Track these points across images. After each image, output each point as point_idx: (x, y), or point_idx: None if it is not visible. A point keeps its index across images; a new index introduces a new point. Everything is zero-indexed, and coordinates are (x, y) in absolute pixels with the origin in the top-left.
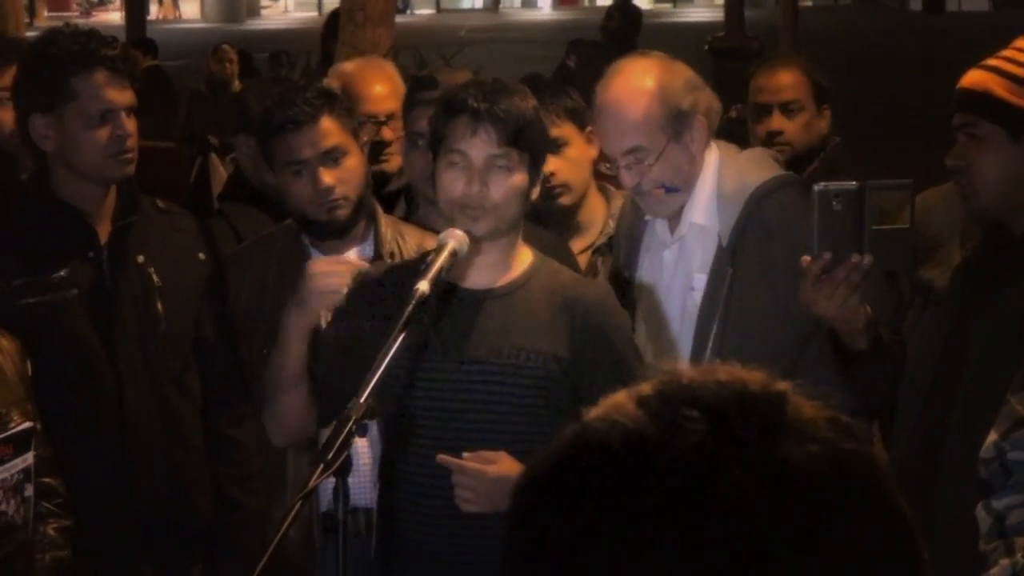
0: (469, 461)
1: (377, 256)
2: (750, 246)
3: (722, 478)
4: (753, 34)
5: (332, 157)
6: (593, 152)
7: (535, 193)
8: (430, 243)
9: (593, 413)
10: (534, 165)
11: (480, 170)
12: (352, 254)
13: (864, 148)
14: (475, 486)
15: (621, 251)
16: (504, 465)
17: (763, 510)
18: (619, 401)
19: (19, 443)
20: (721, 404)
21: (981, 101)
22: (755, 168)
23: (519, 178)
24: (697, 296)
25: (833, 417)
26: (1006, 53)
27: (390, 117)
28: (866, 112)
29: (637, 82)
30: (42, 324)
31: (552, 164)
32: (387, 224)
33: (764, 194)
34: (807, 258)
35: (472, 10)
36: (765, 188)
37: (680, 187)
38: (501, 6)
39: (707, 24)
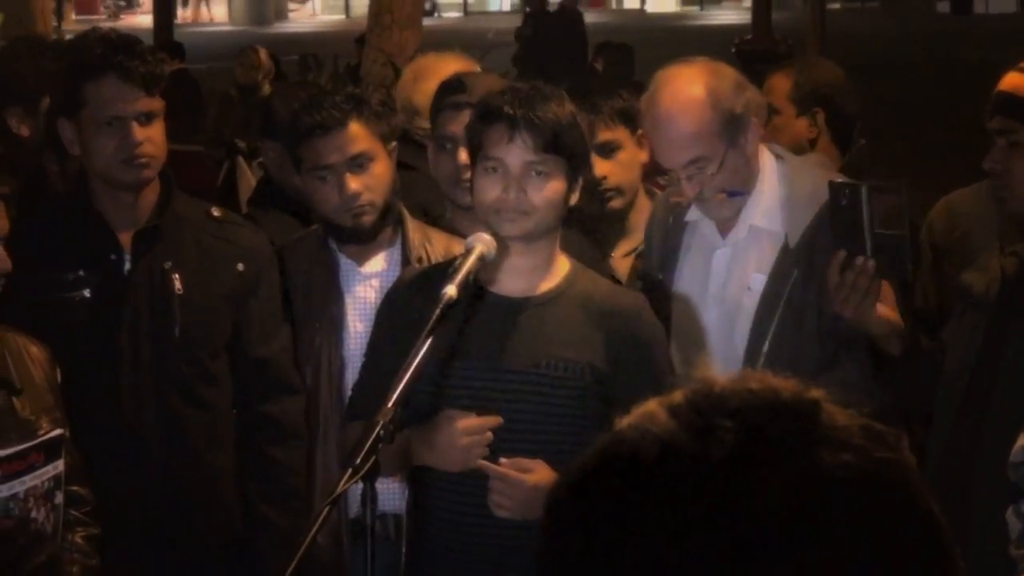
0: (507, 468)
1: (405, 261)
2: (821, 249)
3: (757, 487)
4: (780, 36)
5: (359, 163)
6: (644, 155)
7: (574, 199)
8: (457, 248)
9: (624, 422)
10: (572, 170)
11: (517, 177)
12: (380, 259)
13: (892, 149)
14: (512, 493)
15: (654, 255)
16: (541, 473)
17: (798, 518)
18: (651, 410)
19: (50, 450)
20: (754, 413)
21: (1021, 107)
22: (827, 174)
23: (557, 184)
24: (755, 295)
25: (866, 425)
26: None
27: None
28: (893, 113)
29: (687, 92)
30: (45, 322)
31: (604, 168)
32: (415, 229)
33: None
34: (834, 254)
35: (500, 12)
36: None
37: (743, 190)
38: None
39: (735, 27)
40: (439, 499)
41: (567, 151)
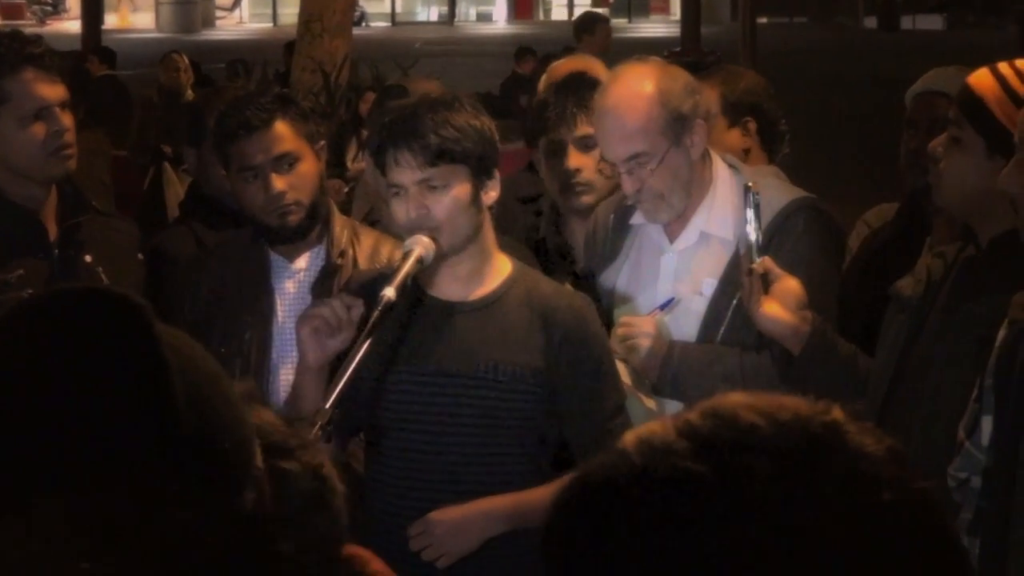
0: (416, 527)
1: (328, 259)
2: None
3: (793, 530)
4: (709, 49)
5: (285, 162)
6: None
7: (490, 197)
8: (385, 246)
9: (633, 444)
10: (477, 169)
11: (415, 196)
12: (304, 260)
13: (818, 162)
14: (437, 539)
15: (596, 258)
16: (444, 512)
17: (838, 559)
18: (668, 438)
19: None
20: (786, 450)
21: (975, 107)
22: (783, 186)
23: (458, 191)
24: (705, 301)
25: (891, 448)
26: (1021, 64)
27: None
28: (820, 126)
29: (637, 87)
30: None
31: (577, 161)
32: (342, 226)
33: (791, 212)
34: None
35: (427, 23)
36: (792, 206)
37: (680, 192)
38: (456, 20)
39: (662, 40)
40: (379, 503)
41: (461, 156)
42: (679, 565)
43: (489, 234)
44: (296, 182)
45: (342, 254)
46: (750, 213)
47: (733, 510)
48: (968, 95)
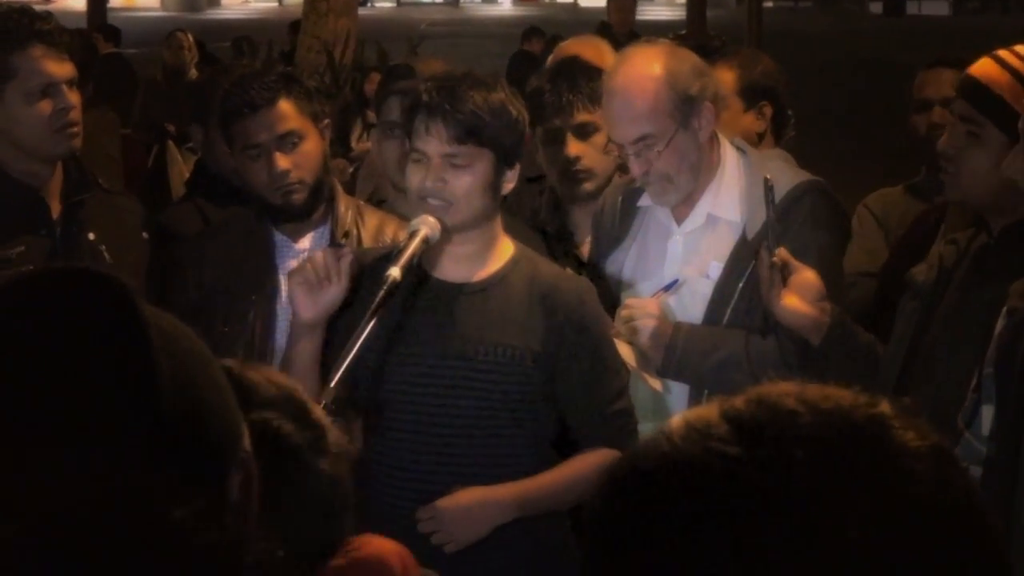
0: (425, 512)
1: (332, 238)
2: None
3: (832, 524)
4: (715, 33)
5: (289, 141)
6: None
7: (507, 187)
8: (390, 226)
9: (679, 428)
10: (502, 157)
11: (436, 167)
12: (308, 240)
13: (823, 146)
14: (447, 526)
15: (602, 240)
16: (453, 498)
17: (874, 555)
18: (711, 422)
19: None
20: (828, 442)
21: (990, 101)
22: (789, 169)
23: (478, 174)
24: (711, 283)
25: (936, 445)
26: (1020, 50)
27: None
28: (825, 111)
29: (645, 69)
30: None
31: (577, 148)
32: (347, 205)
33: (797, 196)
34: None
35: (432, 4)
36: (798, 190)
37: (687, 174)
38: (461, 1)
39: (668, 23)
40: (380, 484)
41: (489, 141)
42: (710, 548)
43: (498, 219)
44: (300, 160)
45: (346, 234)
46: (770, 207)
47: (765, 496)
48: (979, 89)
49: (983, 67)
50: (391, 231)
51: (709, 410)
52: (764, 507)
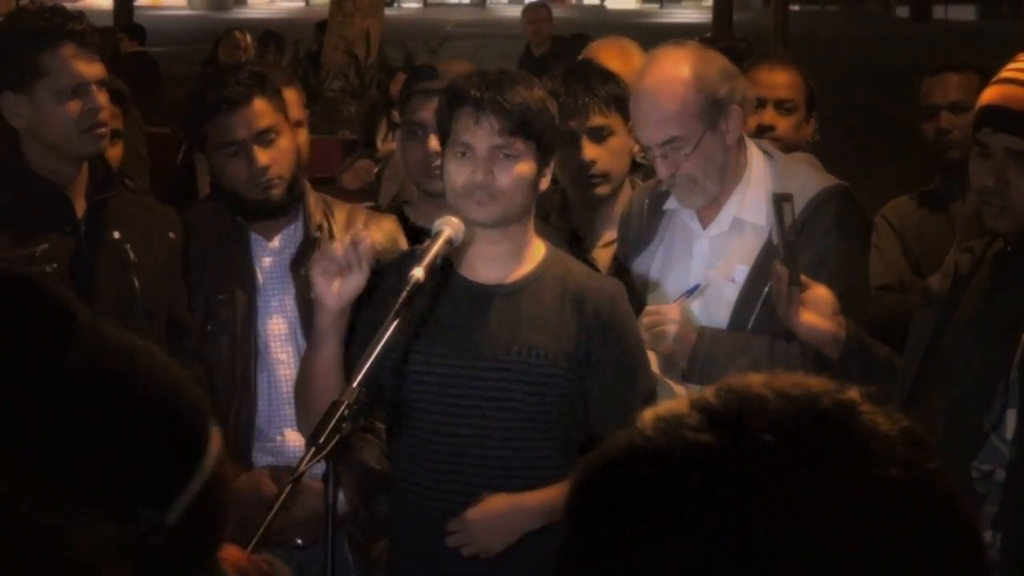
0: (454, 525)
1: (307, 232)
2: (802, 248)
3: (800, 505)
4: (741, 36)
5: (266, 137)
6: (636, 145)
7: (544, 183)
8: (360, 215)
9: (650, 420)
10: (542, 154)
11: (484, 160)
12: (279, 238)
13: (849, 152)
14: (476, 534)
15: (629, 243)
16: (482, 507)
17: (840, 537)
18: (681, 412)
19: None
20: (795, 425)
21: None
22: (815, 174)
23: (525, 167)
24: (737, 287)
25: (906, 429)
26: None
27: None
28: (852, 117)
29: (673, 71)
30: None
31: (593, 152)
32: (316, 201)
33: (823, 201)
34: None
35: (459, 5)
36: (824, 195)
37: (714, 177)
38: (488, 2)
39: (694, 25)
40: (405, 483)
41: (535, 135)
42: (684, 537)
43: (531, 219)
44: (278, 156)
45: (319, 227)
46: (782, 222)
47: (737, 481)
48: (1009, 114)
49: (1005, 93)
50: (361, 219)
51: (679, 402)
52: (738, 493)
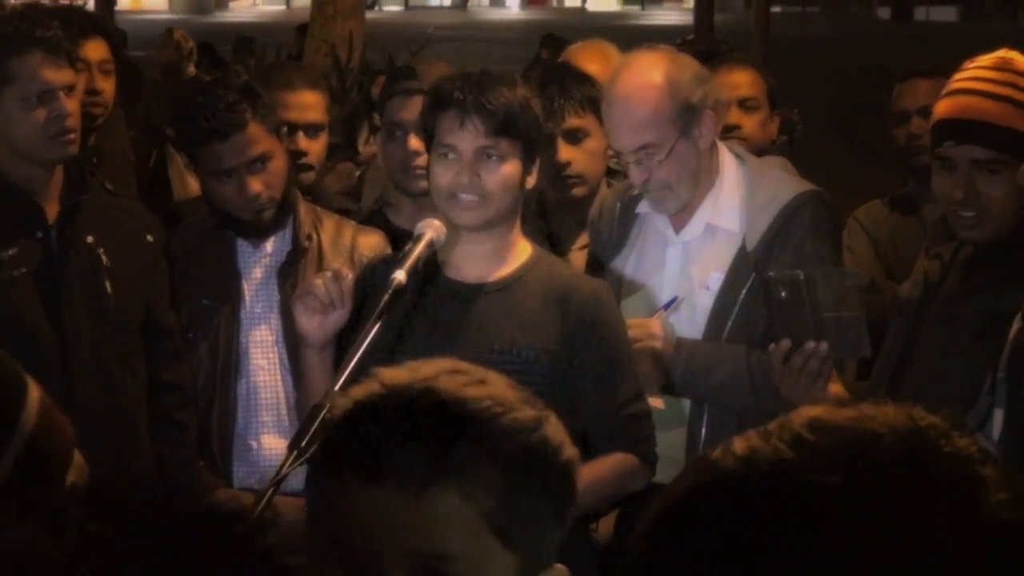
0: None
1: (295, 242)
2: (777, 256)
3: (930, 545)
4: (722, 37)
5: (259, 163)
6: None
7: (531, 182)
8: (347, 230)
9: (732, 459)
10: (527, 154)
11: (470, 162)
12: (269, 244)
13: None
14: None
15: (601, 246)
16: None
17: (964, 565)
18: (780, 450)
19: None
20: (907, 456)
21: (998, 134)
22: (789, 179)
23: (511, 167)
24: (712, 295)
25: (984, 450)
26: (993, 76)
27: None
28: (832, 117)
29: (646, 76)
30: None
31: (569, 154)
32: (306, 210)
33: (796, 207)
34: (772, 346)
35: (440, 8)
36: (798, 201)
37: (688, 183)
38: (469, 5)
39: (676, 27)
40: None
41: (520, 134)
42: None
43: (517, 219)
44: (270, 180)
45: (308, 237)
46: (773, 300)
47: (866, 519)
48: (983, 127)
49: (957, 105)
50: (348, 234)
51: (752, 442)
52: (864, 529)
